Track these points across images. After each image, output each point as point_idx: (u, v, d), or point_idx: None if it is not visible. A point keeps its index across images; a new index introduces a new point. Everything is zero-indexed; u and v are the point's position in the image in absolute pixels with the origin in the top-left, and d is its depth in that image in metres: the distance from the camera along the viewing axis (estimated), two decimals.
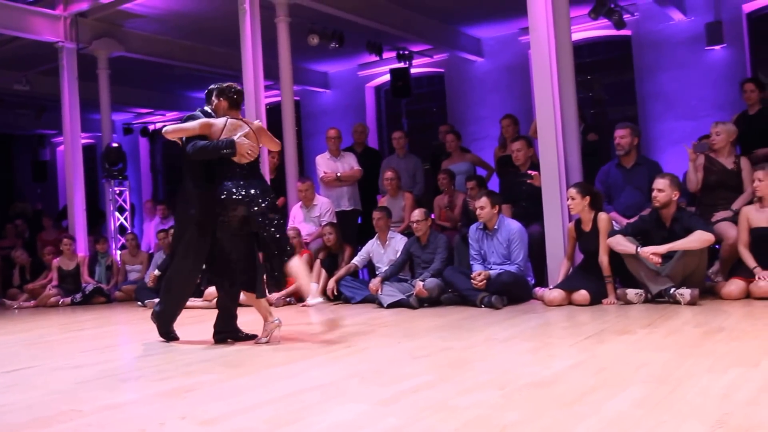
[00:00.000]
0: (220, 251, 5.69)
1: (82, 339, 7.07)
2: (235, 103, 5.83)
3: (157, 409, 3.61)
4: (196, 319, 7.93)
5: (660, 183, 6.80)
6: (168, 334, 6.11)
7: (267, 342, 5.51)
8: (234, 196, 5.43)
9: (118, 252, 12.54)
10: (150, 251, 12.37)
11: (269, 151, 10.16)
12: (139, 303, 10.14)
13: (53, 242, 12.97)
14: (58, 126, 14.33)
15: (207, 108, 5.96)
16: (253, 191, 5.47)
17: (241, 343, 5.78)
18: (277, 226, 5.56)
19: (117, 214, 12.97)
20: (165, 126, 5.90)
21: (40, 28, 11.73)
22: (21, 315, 10.29)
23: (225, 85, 5.86)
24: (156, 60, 13.35)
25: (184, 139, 5.74)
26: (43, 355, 5.89)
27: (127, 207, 13.20)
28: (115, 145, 12.87)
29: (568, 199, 7.27)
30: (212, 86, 5.96)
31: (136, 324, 8.16)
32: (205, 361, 4.99)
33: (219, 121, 5.65)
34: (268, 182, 6.29)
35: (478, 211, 7.69)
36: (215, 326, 5.97)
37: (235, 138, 5.52)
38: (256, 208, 5.44)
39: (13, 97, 15.49)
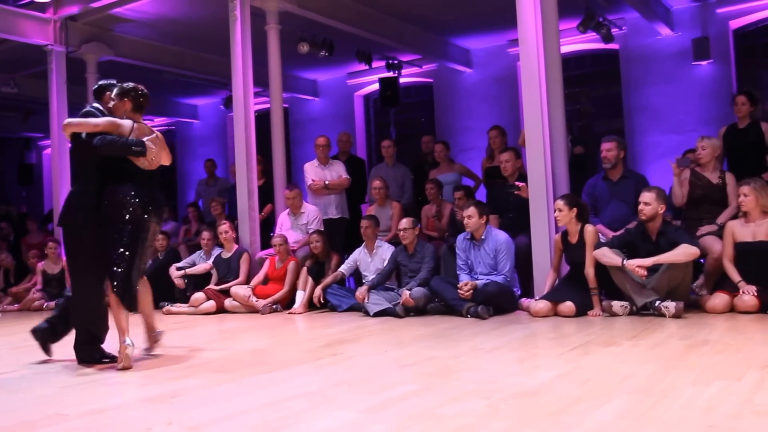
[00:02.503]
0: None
1: (66, 344, 7.02)
2: (139, 106, 5.54)
3: (143, 414, 3.62)
4: (182, 325, 7.95)
5: (646, 196, 6.84)
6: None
7: (121, 367, 5.02)
8: (135, 198, 5.22)
9: None
10: None
11: (256, 156, 10.18)
12: None
13: (38, 246, 12.92)
14: (44, 129, 14.31)
15: (98, 105, 5.62)
16: (151, 197, 5.34)
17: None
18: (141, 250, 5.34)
19: None
20: (67, 119, 5.48)
21: (29, 31, 11.71)
22: (5, 319, 10.23)
23: (130, 85, 5.53)
24: (145, 65, 13.30)
25: (83, 134, 5.31)
26: (27, 359, 5.86)
27: None
28: None
29: (555, 211, 7.30)
30: (104, 82, 5.76)
31: None
32: (191, 367, 4.99)
33: (126, 123, 5.37)
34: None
35: (465, 221, 7.71)
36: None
37: (145, 140, 5.32)
38: (153, 217, 5.34)
39: (0, 100, 15.43)
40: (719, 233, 7.17)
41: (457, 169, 10.57)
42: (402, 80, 14.12)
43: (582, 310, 6.94)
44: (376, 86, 14.34)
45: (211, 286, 9.46)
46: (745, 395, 3.42)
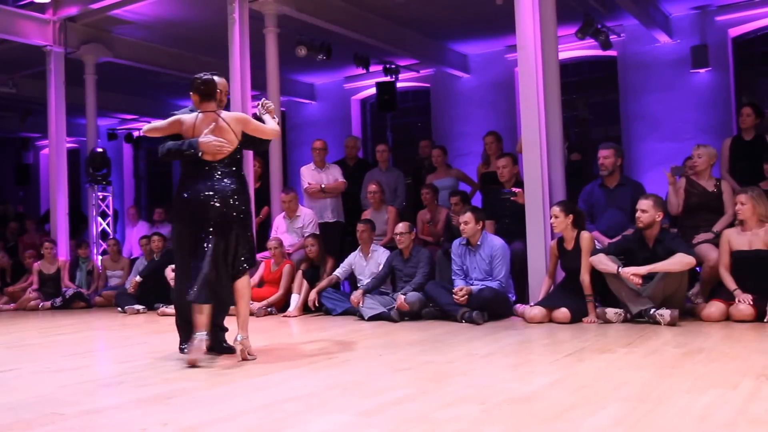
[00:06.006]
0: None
1: (62, 343, 7.04)
2: (204, 94, 5.34)
3: (139, 414, 3.61)
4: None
5: (644, 204, 6.85)
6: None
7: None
8: (201, 195, 5.14)
9: (100, 257, 12.50)
10: (132, 257, 12.33)
11: (253, 159, 10.16)
12: (119, 309, 10.11)
13: (34, 246, 12.90)
14: (42, 129, 14.29)
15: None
16: (219, 188, 5.18)
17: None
18: (240, 239, 5.24)
19: (99, 219, 12.91)
20: (145, 125, 5.56)
21: (28, 31, 11.71)
22: (0, 318, 10.22)
23: (195, 76, 5.44)
24: (143, 66, 13.33)
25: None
26: (23, 358, 5.87)
27: (110, 212, 13.15)
28: (99, 150, 12.82)
29: (551, 217, 7.31)
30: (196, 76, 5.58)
31: (115, 330, 8.14)
32: (186, 369, 4.98)
33: (189, 118, 5.32)
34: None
35: (462, 226, 7.71)
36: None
37: (200, 138, 5.16)
38: (223, 209, 5.16)
39: None
40: (715, 241, 7.18)
41: (454, 174, 10.58)
42: (399, 85, 14.12)
43: (577, 317, 6.95)
44: (373, 90, 14.33)
45: None
46: (740, 404, 3.43)
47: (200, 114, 5.29)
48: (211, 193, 5.16)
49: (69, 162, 12.97)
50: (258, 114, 5.63)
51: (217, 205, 5.15)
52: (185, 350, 5.30)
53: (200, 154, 5.16)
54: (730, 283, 6.76)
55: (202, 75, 5.40)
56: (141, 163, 19.37)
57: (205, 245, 5.10)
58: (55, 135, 12.21)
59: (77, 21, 12.01)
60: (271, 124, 5.53)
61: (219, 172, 5.23)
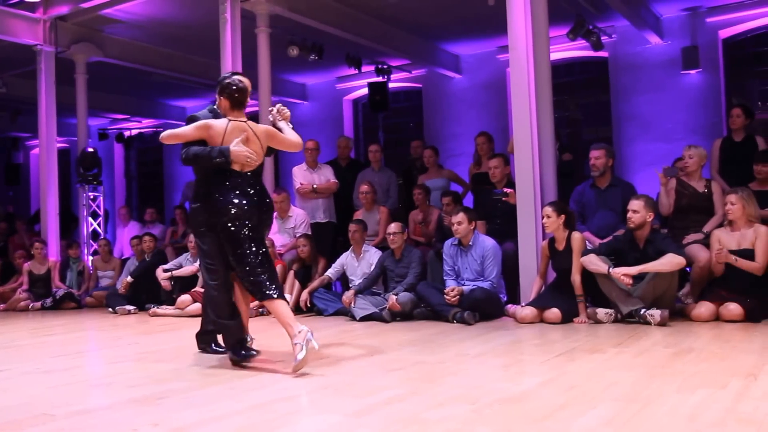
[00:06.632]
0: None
1: (53, 344, 7.02)
2: (237, 102, 5.13)
3: (129, 415, 3.61)
4: (169, 327, 7.94)
5: (635, 204, 6.87)
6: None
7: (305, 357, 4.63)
8: (228, 206, 4.94)
9: (90, 257, 12.47)
10: (123, 257, 12.30)
11: None
12: (110, 309, 10.08)
13: (25, 246, 12.87)
14: (32, 129, 14.24)
15: (216, 106, 5.40)
16: (246, 202, 4.97)
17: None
18: (254, 259, 4.98)
19: (90, 219, 12.88)
20: (163, 132, 5.13)
21: (19, 30, 11.68)
22: None
23: (226, 80, 5.19)
24: (134, 66, 13.30)
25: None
26: (13, 359, 5.86)
27: (101, 213, 13.12)
28: (90, 150, 12.78)
29: (543, 218, 7.31)
30: (220, 78, 5.33)
31: (106, 330, 8.12)
32: (177, 369, 4.98)
33: (219, 124, 5.06)
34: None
35: (455, 227, 7.70)
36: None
37: (231, 145, 4.94)
38: (244, 223, 4.96)
39: None
40: (705, 242, 7.21)
41: (445, 174, 10.58)
42: (391, 85, 14.14)
43: (568, 317, 6.96)
44: (365, 91, 14.33)
45: (198, 288, 9.42)
46: (729, 403, 3.44)
47: (230, 122, 5.07)
48: (245, 201, 4.99)
49: (59, 162, 12.96)
50: (272, 120, 5.46)
51: (255, 213, 5.03)
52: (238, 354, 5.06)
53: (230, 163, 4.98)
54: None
55: (234, 79, 5.19)
56: (132, 163, 19.34)
57: (248, 250, 4.95)
58: (46, 135, 12.18)
59: (68, 20, 11.98)
60: (291, 134, 5.35)
61: (251, 182, 5.06)
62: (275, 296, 4.89)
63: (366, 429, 3.19)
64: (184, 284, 9.72)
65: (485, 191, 8.92)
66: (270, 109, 5.44)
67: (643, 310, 6.53)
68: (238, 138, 4.98)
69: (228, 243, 5.00)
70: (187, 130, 5.09)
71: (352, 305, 8.01)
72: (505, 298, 7.96)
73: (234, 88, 5.13)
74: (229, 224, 4.95)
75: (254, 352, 5.03)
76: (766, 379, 3.98)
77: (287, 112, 5.47)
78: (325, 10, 10.99)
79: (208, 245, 5.25)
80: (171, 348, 6.32)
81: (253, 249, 4.96)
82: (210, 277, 5.24)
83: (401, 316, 7.75)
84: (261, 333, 5.14)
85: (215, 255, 5.21)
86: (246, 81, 5.23)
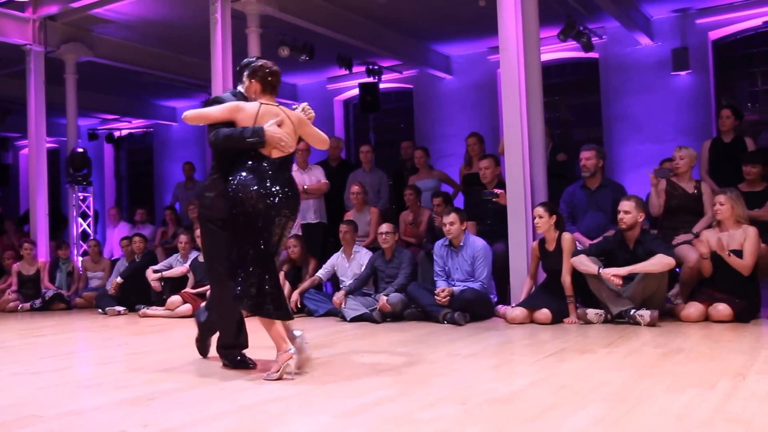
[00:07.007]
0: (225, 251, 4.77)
1: (42, 345, 7.00)
2: (269, 86, 4.92)
3: (119, 416, 3.60)
4: (159, 328, 7.92)
5: (626, 205, 6.89)
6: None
7: (278, 378, 4.46)
8: (254, 190, 4.59)
9: (80, 258, 12.43)
10: (113, 258, 12.27)
11: None
12: (100, 310, 10.05)
13: (14, 247, 12.82)
14: (21, 129, 14.21)
15: (240, 88, 5.13)
16: (278, 188, 4.65)
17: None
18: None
19: (80, 220, 12.84)
20: (185, 111, 4.90)
21: (8, 30, 11.62)
22: None
23: (258, 63, 4.96)
24: (124, 66, 13.25)
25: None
26: (2, 360, 5.84)
27: (91, 213, 13.08)
28: (80, 150, 12.73)
29: (535, 218, 7.31)
30: (246, 60, 5.11)
31: (96, 331, 8.09)
32: (167, 370, 4.97)
33: (251, 106, 4.78)
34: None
35: (447, 227, 7.70)
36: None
37: (266, 125, 4.68)
38: (278, 211, 4.65)
39: None
40: None
41: (436, 175, 10.58)
42: (382, 86, 14.13)
43: (558, 318, 6.98)
44: (356, 91, 14.31)
45: (188, 289, 9.42)
46: (718, 403, 3.46)
47: (262, 105, 4.81)
48: (288, 188, 4.73)
49: (49, 162, 12.89)
50: None
51: (294, 203, 4.80)
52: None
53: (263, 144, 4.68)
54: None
55: (267, 62, 4.99)
56: (122, 164, 19.28)
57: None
58: (35, 135, 12.13)
59: (57, 20, 11.92)
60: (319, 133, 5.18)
61: (278, 169, 4.75)
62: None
63: (356, 429, 3.19)
64: (174, 285, 9.70)
65: (476, 192, 8.92)
66: (295, 106, 5.20)
67: (632, 311, 6.55)
68: (273, 120, 4.74)
69: (240, 232, 4.65)
70: (215, 111, 4.83)
71: (343, 306, 8.00)
72: (496, 299, 7.97)
73: (267, 71, 4.93)
74: (248, 212, 4.59)
75: (251, 364, 4.95)
76: (755, 379, 4.00)
77: (312, 113, 5.20)
78: (316, 10, 10.98)
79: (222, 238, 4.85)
80: (161, 349, 6.31)
81: (261, 248, 4.64)
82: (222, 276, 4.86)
83: (392, 316, 7.75)
84: (250, 334, 5.12)
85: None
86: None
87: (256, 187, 4.60)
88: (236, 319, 5.03)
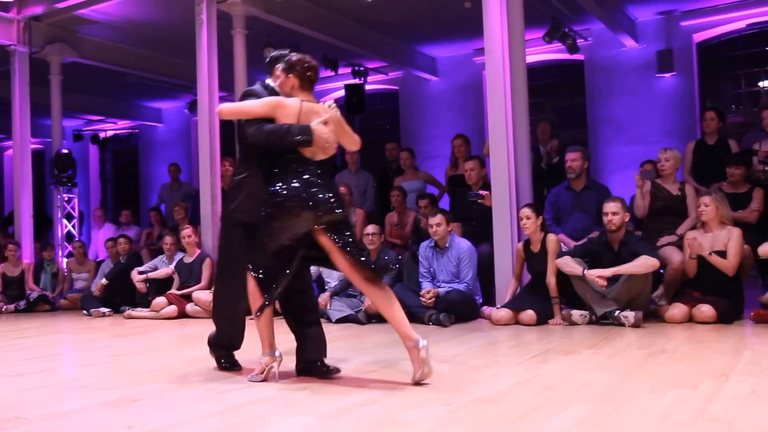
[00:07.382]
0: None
1: (26, 347, 6.97)
2: (308, 81, 4.62)
3: (103, 418, 3.59)
4: (143, 330, 7.90)
5: (613, 206, 6.90)
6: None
7: (262, 380, 4.42)
8: (303, 198, 4.26)
9: (65, 260, 12.37)
10: (97, 259, 12.22)
11: (222, 160, 10.11)
12: (85, 312, 10.00)
13: None
14: (6, 130, 14.15)
15: (269, 81, 4.84)
16: (322, 195, 4.28)
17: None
18: (353, 246, 4.41)
19: (65, 221, 12.79)
20: (220, 105, 4.69)
21: None
22: None
23: (295, 57, 4.63)
24: (109, 67, 13.24)
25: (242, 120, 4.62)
26: None
27: (75, 214, 13.03)
28: (65, 151, 12.69)
29: (522, 219, 7.32)
30: (276, 53, 4.85)
31: (80, 333, 8.06)
32: (151, 372, 4.95)
33: (293, 103, 4.48)
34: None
35: (434, 228, 7.70)
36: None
37: (313, 124, 4.38)
38: (325, 216, 4.29)
39: None
40: (679, 244, 7.26)
41: (421, 176, 10.59)
42: (368, 87, 14.15)
43: (543, 319, 6.99)
44: (341, 92, 14.32)
45: (173, 290, 9.39)
46: (701, 403, 3.47)
47: (304, 102, 4.52)
48: (331, 195, 4.34)
49: (34, 163, 12.83)
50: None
51: (336, 206, 4.36)
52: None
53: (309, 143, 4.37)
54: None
55: (305, 56, 4.68)
56: (107, 165, 19.24)
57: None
58: (20, 136, 12.08)
59: (42, 20, 11.88)
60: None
61: (318, 172, 4.42)
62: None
63: (341, 430, 3.19)
64: (159, 286, 9.66)
65: (461, 193, 8.93)
66: (323, 100, 4.82)
67: (617, 312, 6.58)
68: (319, 119, 4.43)
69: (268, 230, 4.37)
70: (255, 106, 4.52)
71: (328, 307, 8.00)
72: (481, 300, 7.98)
73: (306, 65, 4.61)
74: (286, 217, 4.31)
75: (237, 367, 4.91)
76: (737, 380, 4.02)
77: (338, 112, 4.70)
78: (302, 11, 10.99)
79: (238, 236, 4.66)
80: (145, 350, 6.29)
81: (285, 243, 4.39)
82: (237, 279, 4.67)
83: (377, 318, 7.72)
84: (250, 334, 5.12)
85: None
86: None
87: (304, 195, 4.27)
88: (235, 318, 4.98)
